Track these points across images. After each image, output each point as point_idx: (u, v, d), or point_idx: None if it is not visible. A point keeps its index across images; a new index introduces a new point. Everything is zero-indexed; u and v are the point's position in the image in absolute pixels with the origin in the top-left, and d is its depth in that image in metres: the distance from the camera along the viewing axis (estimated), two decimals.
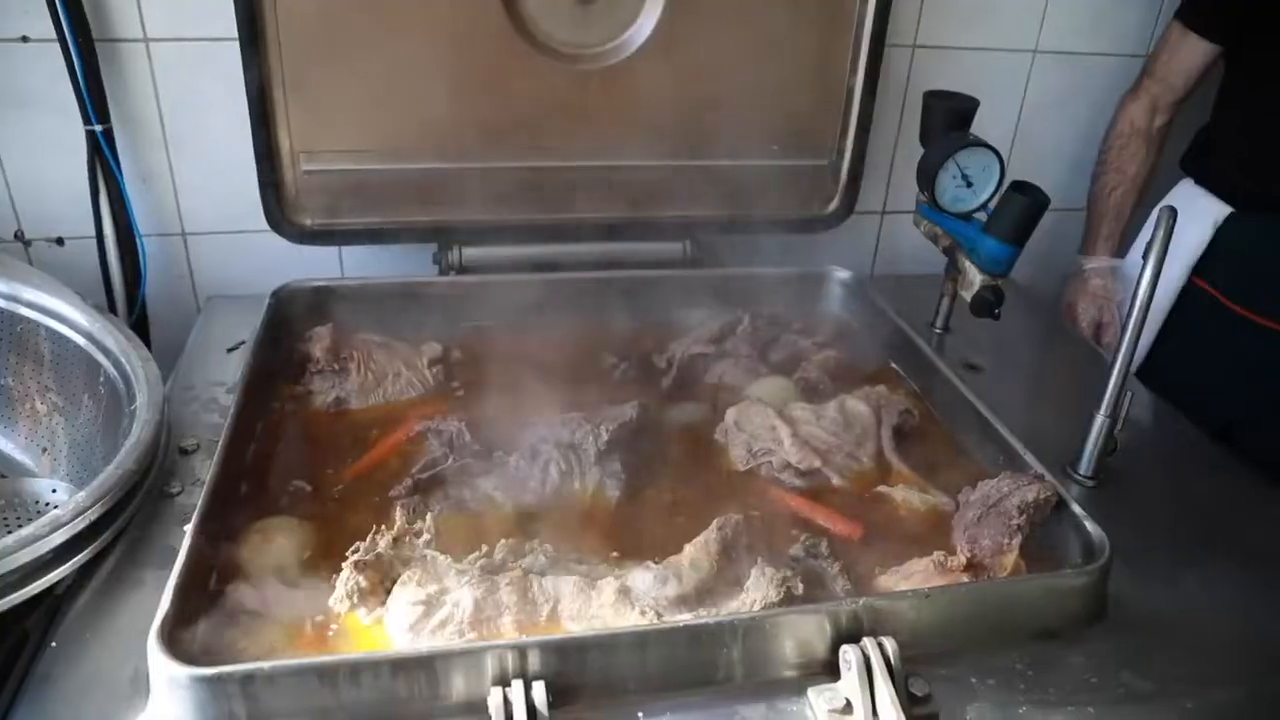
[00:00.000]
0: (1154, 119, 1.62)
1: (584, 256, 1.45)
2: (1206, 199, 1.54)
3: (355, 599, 0.87)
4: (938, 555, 0.93)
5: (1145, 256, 1.03)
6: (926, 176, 1.36)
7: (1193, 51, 1.54)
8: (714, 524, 0.90)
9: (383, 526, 0.92)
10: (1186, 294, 1.56)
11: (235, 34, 1.26)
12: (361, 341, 1.26)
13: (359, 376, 1.22)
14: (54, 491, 1.16)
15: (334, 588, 0.87)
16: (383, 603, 0.87)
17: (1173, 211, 1.04)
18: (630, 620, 0.83)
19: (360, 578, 0.87)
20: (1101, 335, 1.64)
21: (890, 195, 1.74)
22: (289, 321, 1.29)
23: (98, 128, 1.33)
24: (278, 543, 0.94)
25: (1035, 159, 1.77)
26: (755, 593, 0.86)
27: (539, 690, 0.74)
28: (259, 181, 1.33)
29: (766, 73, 1.43)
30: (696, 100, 1.41)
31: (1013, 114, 1.77)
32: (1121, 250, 1.67)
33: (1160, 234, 1.02)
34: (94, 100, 1.32)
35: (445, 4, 1.28)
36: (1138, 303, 1.04)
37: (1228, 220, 1.52)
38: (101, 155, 1.35)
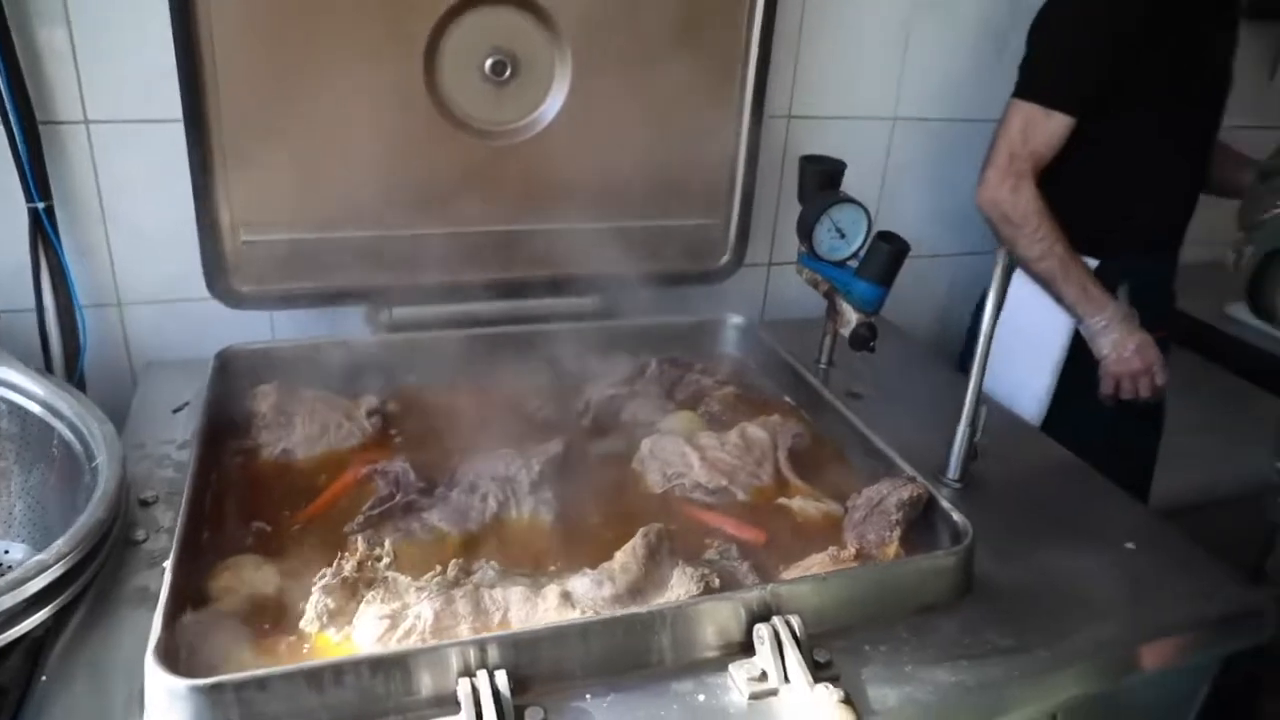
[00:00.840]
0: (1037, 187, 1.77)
1: (506, 312, 1.59)
2: None
3: (325, 619, 0.97)
4: (831, 550, 1.09)
5: (982, 302, 1.24)
6: (805, 230, 1.55)
7: (1059, 126, 1.69)
8: (640, 532, 1.04)
9: (346, 554, 1.03)
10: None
11: (172, 116, 1.36)
12: (304, 396, 1.36)
13: (304, 428, 1.32)
14: (5, 552, 1.22)
15: (304, 612, 0.97)
16: (350, 622, 0.97)
17: (1006, 253, 1.25)
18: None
19: (329, 600, 0.98)
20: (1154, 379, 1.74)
21: (775, 248, 1.93)
22: (233, 380, 1.38)
23: (39, 205, 1.41)
24: (247, 576, 1.03)
25: (899, 211, 1.99)
26: (679, 588, 1.00)
27: (501, 678, 0.86)
28: (201, 252, 1.42)
29: (662, 143, 1.60)
30: (602, 169, 1.57)
31: (879, 172, 1.99)
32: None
33: (997, 277, 1.23)
34: (36, 179, 1.39)
35: (373, 85, 1.41)
36: (981, 337, 1.24)
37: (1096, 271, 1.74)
38: (43, 231, 1.43)
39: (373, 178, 1.44)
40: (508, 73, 1.49)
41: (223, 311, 1.50)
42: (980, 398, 1.29)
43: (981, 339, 1.24)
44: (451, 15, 1.43)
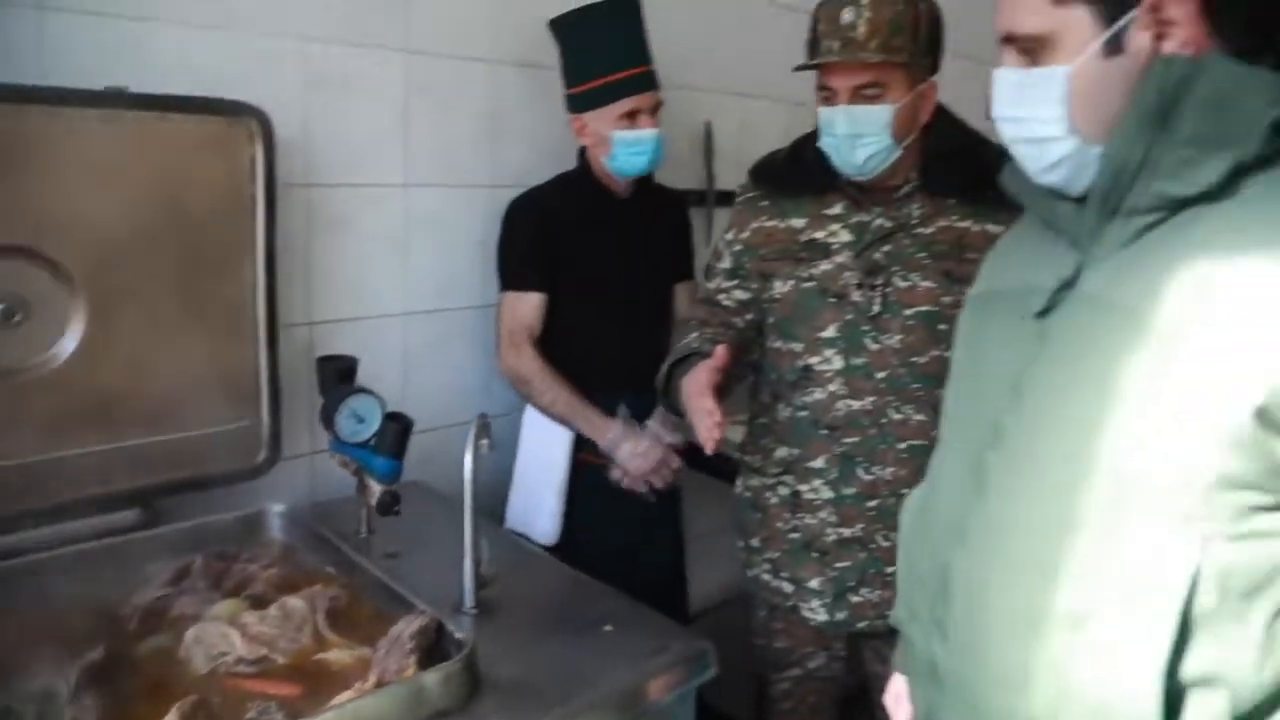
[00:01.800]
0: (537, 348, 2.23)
1: (49, 539, 1.63)
2: None
3: None
4: (357, 684, 1.31)
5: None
6: (327, 420, 1.80)
7: (534, 301, 2.20)
8: (175, 707, 1.18)
9: None
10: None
11: None
12: None
13: None
14: None
15: None
16: None
17: (482, 416, 1.60)
18: None
19: None
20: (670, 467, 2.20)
21: (315, 438, 2.15)
22: None
23: None
24: None
25: (422, 390, 2.30)
26: None
27: None
28: None
29: (187, 360, 1.77)
30: (133, 389, 1.70)
31: (400, 359, 2.30)
32: None
33: (471, 437, 1.57)
34: None
35: None
36: (465, 483, 1.57)
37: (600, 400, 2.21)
38: None
39: None
40: (18, 317, 1.60)
41: None
42: (479, 534, 1.60)
43: (466, 484, 1.57)
44: None
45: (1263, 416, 0.85)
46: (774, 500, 1.90)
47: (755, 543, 1.95)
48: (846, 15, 1.65)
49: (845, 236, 1.77)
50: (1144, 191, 0.95)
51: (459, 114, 2.31)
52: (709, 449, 1.54)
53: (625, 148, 2.14)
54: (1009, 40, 1.03)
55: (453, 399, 2.38)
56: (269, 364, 1.88)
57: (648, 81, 2.14)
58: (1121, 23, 0.96)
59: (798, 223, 1.82)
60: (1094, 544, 0.95)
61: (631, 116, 2.12)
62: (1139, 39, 0.97)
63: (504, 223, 2.25)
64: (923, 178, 1.75)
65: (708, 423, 1.53)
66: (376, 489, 1.77)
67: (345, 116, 2.10)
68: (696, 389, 1.58)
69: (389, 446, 1.75)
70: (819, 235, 1.79)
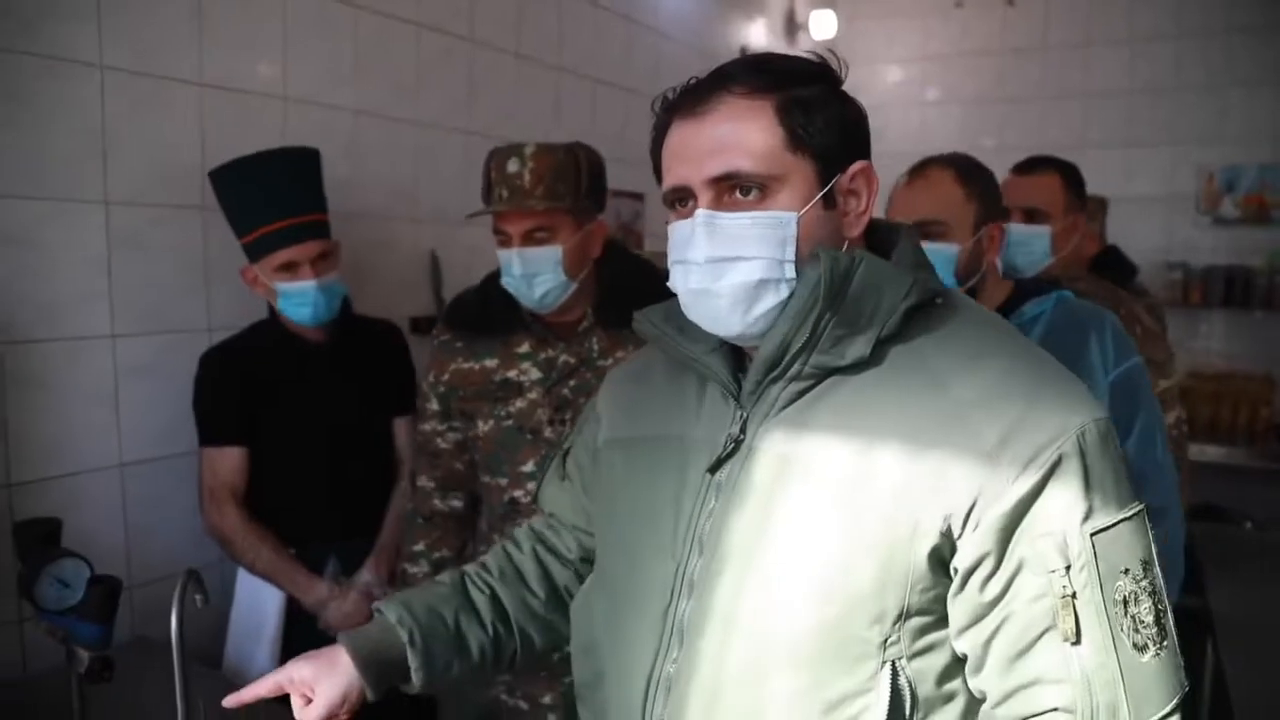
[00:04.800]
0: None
1: None
2: None
3: None
4: None
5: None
6: (26, 589, 1.72)
7: (233, 456, 2.17)
8: None
9: None
10: None
11: None
12: None
13: None
14: None
15: None
16: None
17: (189, 571, 1.60)
18: None
19: None
20: None
21: (22, 605, 2.02)
22: None
23: None
24: None
25: (147, 543, 2.24)
26: None
27: None
28: None
29: None
30: None
31: (118, 514, 2.22)
32: None
33: (176, 598, 1.56)
34: None
35: None
36: (174, 648, 1.55)
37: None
38: None
39: None
40: None
41: None
42: (192, 696, 1.58)
43: (174, 646, 1.55)
44: None
45: (934, 556, 0.96)
46: None
47: None
48: (512, 165, 1.82)
49: (535, 374, 1.92)
50: (806, 362, 1.03)
51: (167, 261, 2.30)
52: None
53: (287, 299, 2.11)
54: (721, 181, 1.03)
55: (181, 545, 2.31)
56: None
57: (306, 231, 2.10)
58: (834, 181, 1.05)
59: (491, 363, 1.96)
60: (792, 685, 1.00)
61: (290, 268, 2.09)
62: (837, 200, 1.06)
63: (196, 376, 2.20)
64: (597, 314, 1.92)
65: None
66: (85, 656, 1.70)
67: (40, 272, 2.05)
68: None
69: (94, 612, 1.69)
70: (511, 374, 1.94)
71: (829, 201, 1.06)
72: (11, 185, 2.00)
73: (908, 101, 5.52)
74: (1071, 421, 0.95)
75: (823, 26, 5.29)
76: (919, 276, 1.04)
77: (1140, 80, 5.02)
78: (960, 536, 0.96)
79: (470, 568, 1.41)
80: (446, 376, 2.00)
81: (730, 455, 1.08)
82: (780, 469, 1.04)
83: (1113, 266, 2.93)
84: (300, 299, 2.11)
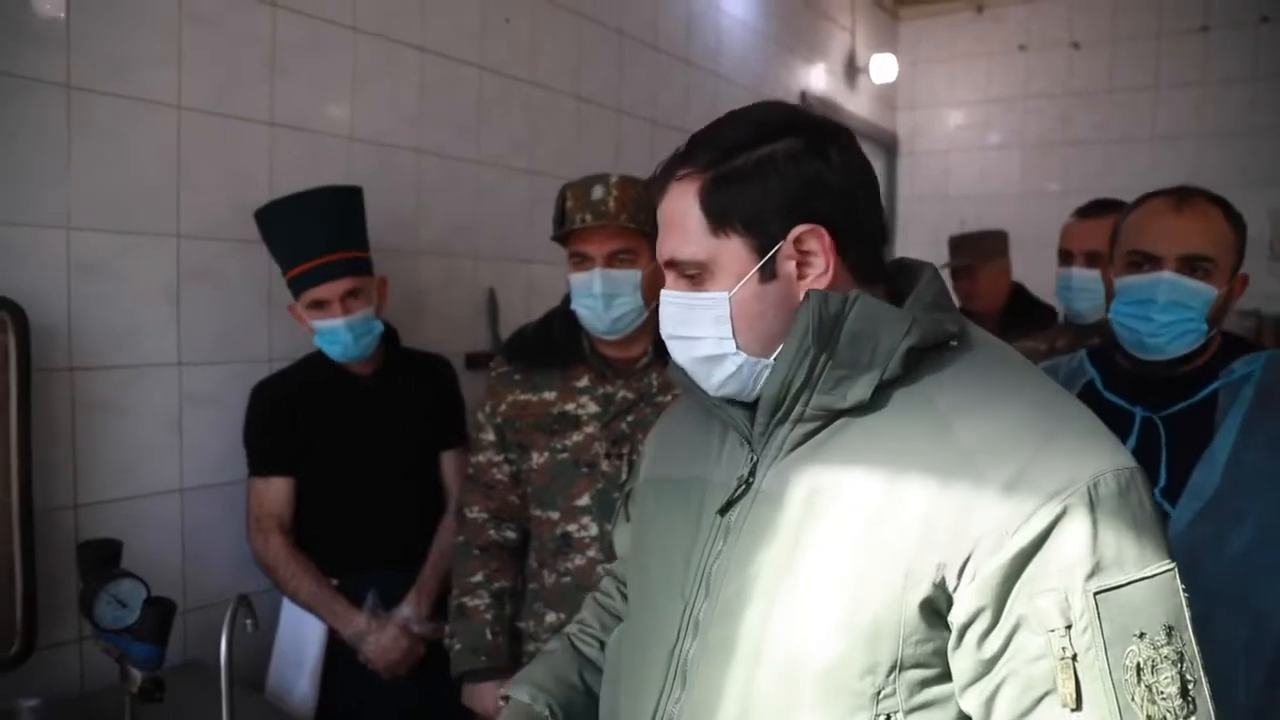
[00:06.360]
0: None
1: None
2: None
3: None
4: None
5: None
6: (86, 607, 1.77)
7: (281, 486, 2.22)
8: None
9: None
10: None
11: None
12: None
13: None
14: None
15: None
16: None
17: (240, 596, 1.63)
18: None
19: None
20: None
21: (82, 624, 2.08)
22: None
23: None
24: None
25: (203, 568, 2.28)
26: None
27: None
28: None
29: None
30: None
31: (177, 539, 2.26)
32: None
33: (227, 620, 1.59)
34: None
35: None
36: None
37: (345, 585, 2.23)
38: None
39: None
40: None
41: None
42: (234, 707, 1.60)
43: (223, 669, 1.58)
44: None
45: (927, 607, 0.94)
46: None
47: None
48: (597, 191, 1.88)
49: (593, 408, 1.93)
50: (808, 403, 1.04)
51: (232, 293, 2.37)
52: None
53: (320, 336, 2.17)
54: (670, 265, 1.09)
55: (237, 571, 2.36)
56: (23, 551, 1.84)
57: (336, 269, 2.13)
58: (771, 253, 1.04)
59: (549, 395, 1.98)
60: None
61: (320, 305, 2.13)
62: (786, 266, 1.04)
63: (247, 408, 2.25)
64: (657, 351, 1.94)
65: None
66: (138, 676, 1.74)
67: (113, 301, 2.13)
68: None
69: (148, 632, 1.73)
70: (569, 408, 1.95)
71: (771, 273, 1.05)
72: (94, 218, 2.09)
73: (969, 145, 5.49)
74: (1084, 471, 0.91)
75: (883, 70, 5.29)
76: (928, 318, 1.02)
77: (1210, 123, 4.92)
78: (956, 589, 0.93)
79: (571, 628, 1.43)
80: (503, 408, 2.03)
81: (740, 497, 1.08)
82: (784, 511, 1.03)
83: None
84: (331, 336, 2.16)
